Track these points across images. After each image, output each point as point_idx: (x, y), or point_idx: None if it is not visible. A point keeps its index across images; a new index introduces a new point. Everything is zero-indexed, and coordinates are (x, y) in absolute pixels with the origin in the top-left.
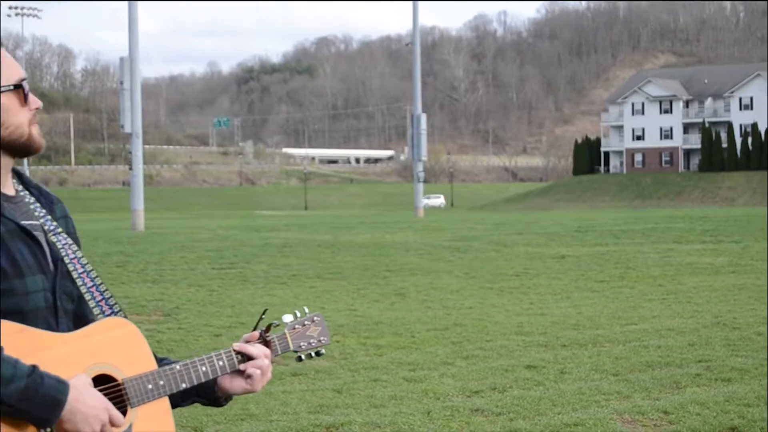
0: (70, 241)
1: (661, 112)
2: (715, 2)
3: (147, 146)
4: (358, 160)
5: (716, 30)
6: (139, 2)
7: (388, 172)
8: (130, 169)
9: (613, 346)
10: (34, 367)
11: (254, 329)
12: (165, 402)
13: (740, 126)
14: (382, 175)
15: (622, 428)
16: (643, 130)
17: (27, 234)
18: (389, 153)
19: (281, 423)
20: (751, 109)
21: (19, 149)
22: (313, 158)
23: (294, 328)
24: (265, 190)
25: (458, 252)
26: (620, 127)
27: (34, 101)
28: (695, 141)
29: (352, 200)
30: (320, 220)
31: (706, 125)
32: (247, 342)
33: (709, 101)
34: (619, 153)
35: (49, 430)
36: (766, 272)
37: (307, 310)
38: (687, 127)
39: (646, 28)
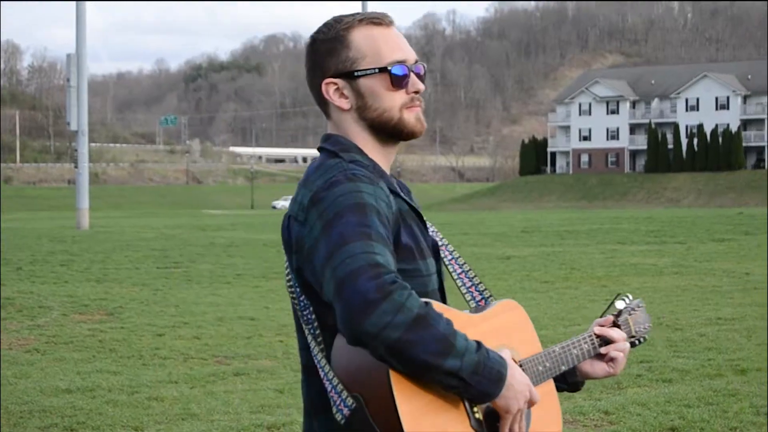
0: (434, 228)
1: (608, 113)
2: (663, 3)
3: (93, 144)
4: (305, 159)
5: (664, 31)
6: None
7: None
8: (76, 167)
9: None
10: (479, 342)
11: (602, 315)
12: (551, 384)
13: (686, 127)
14: None
15: (563, 428)
16: (590, 130)
17: (418, 215)
18: None
19: (222, 423)
20: (698, 110)
21: (390, 132)
22: (260, 157)
23: (630, 314)
24: (212, 189)
25: None
26: (567, 128)
27: (414, 84)
28: (641, 142)
29: None
30: (266, 220)
31: (653, 126)
32: (602, 326)
33: (655, 102)
34: (566, 153)
35: (482, 406)
36: (710, 273)
37: (631, 297)
38: (633, 128)
39: (594, 28)
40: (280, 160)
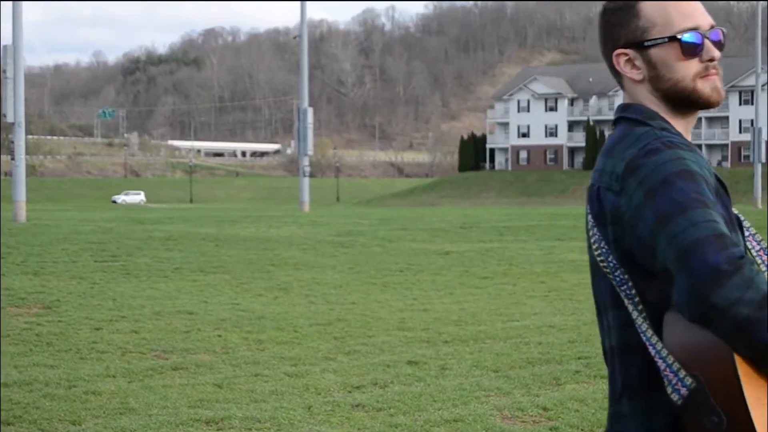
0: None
1: (546, 110)
2: (601, 1)
3: (30, 136)
4: (244, 154)
5: None
6: None
7: (274, 165)
8: (12, 159)
9: (495, 343)
10: None
11: None
12: None
13: None
14: (268, 168)
15: (501, 424)
16: (529, 127)
17: (723, 187)
18: (276, 147)
19: (160, 417)
20: None
21: (685, 103)
22: (198, 151)
23: None
24: (150, 183)
25: (342, 247)
26: (506, 124)
27: (708, 52)
28: (580, 139)
29: (238, 194)
30: (205, 214)
31: (591, 123)
32: None
33: (593, 99)
34: (505, 150)
35: None
36: None
37: None
38: (572, 125)
39: (533, 26)
40: (219, 154)
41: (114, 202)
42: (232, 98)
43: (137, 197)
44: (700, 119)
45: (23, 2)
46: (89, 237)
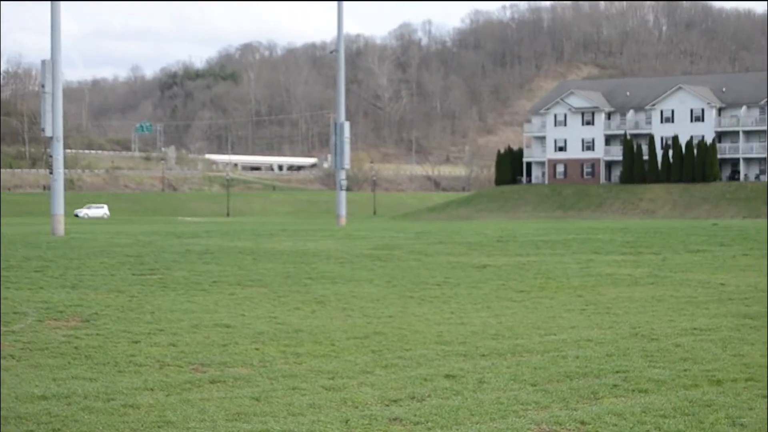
0: None
1: (583, 124)
2: (638, 15)
3: (68, 150)
4: (281, 168)
5: (639, 43)
6: (62, 3)
7: (311, 179)
8: (51, 173)
9: (532, 356)
10: None
11: None
12: None
13: (661, 138)
14: (305, 182)
15: None
16: (565, 141)
17: None
18: (312, 161)
19: (198, 430)
20: (672, 121)
21: None
22: (235, 165)
23: None
24: (187, 196)
25: (379, 261)
26: (542, 138)
27: None
28: (617, 153)
29: (275, 207)
30: (242, 227)
31: (628, 137)
32: None
33: (630, 113)
34: (541, 164)
35: None
36: (685, 284)
37: None
38: (609, 139)
39: (569, 40)
40: (256, 168)
41: (77, 215)
42: (269, 112)
43: (100, 210)
44: (737, 133)
45: (61, 17)
46: (127, 250)
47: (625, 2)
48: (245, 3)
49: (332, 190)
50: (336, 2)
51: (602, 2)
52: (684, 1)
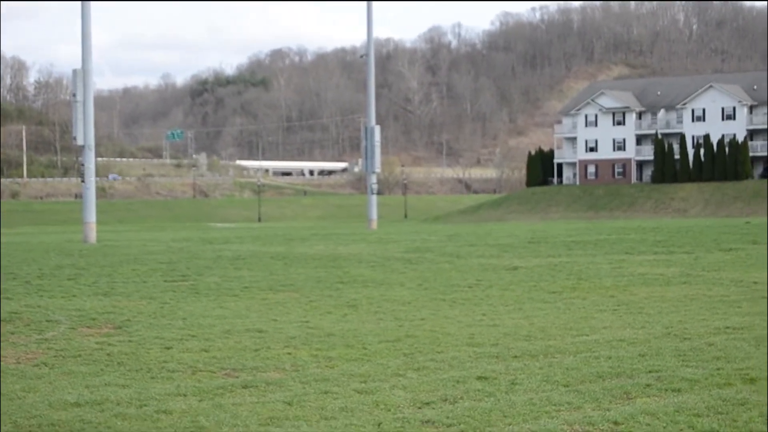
0: None
1: (614, 124)
2: (669, 14)
3: (100, 158)
4: (312, 172)
5: (669, 42)
6: (92, 13)
7: (342, 183)
8: (83, 181)
9: (564, 357)
10: None
11: None
12: None
13: (692, 137)
14: (336, 186)
15: None
16: (596, 141)
17: None
18: (343, 165)
19: None
20: (704, 120)
21: None
22: (266, 170)
23: None
24: (219, 203)
25: (411, 264)
26: (573, 139)
27: None
28: (648, 152)
29: (306, 212)
30: (273, 232)
31: (659, 137)
32: None
33: (661, 113)
34: (573, 164)
35: None
36: (718, 283)
37: None
38: (640, 139)
39: (599, 40)
40: (287, 173)
41: None
42: (299, 117)
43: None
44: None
45: (92, 26)
46: (159, 257)
47: (655, 2)
48: (275, 9)
49: (363, 194)
50: (366, 6)
51: (632, 2)
52: (714, 1)
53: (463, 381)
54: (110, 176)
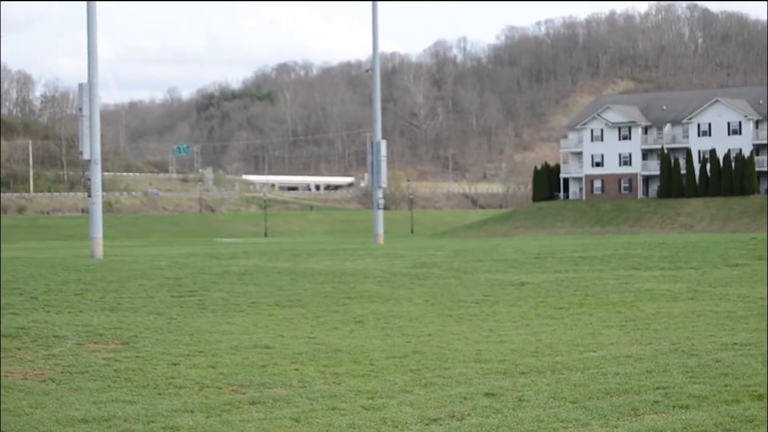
0: None
1: (620, 139)
2: (674, 29)
3: (106, 173)
4: (318, 187)
5: (675, 56)
6: (98, 27)
7: (348, 198)
8: (89, 196)
9: (572, 374)
10: None
11: None
12: None
13: (699, 152)
14: (342, 201)
15: None
16: (602, 156)
17: None
18: (349, 179)
19: None
20: (710, 135)
21: None
22: (273, 185)
23: None
24: (225, 217)
25: (418, 279)
26: (579, 154)
27: None
28: (654, 167)
29: (312, 227)
30: (280, 248)
31: (665, 151)
32: None
33: (667, 127)
34: (579, 179)
35: None
36: (725, 299)
37: None
38: (646, 154)
39: (605, 54)
40: (293, 188)
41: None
42: (305, 132)
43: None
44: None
45: (98, 40)
46: (166, 272)
47: (660, 16)
48: (280, 24)
49: (370, 209)
50: (371, 20)
51: (637, 16)
52: (720, 14)
53: (470, 397)
54: (150, 190)
